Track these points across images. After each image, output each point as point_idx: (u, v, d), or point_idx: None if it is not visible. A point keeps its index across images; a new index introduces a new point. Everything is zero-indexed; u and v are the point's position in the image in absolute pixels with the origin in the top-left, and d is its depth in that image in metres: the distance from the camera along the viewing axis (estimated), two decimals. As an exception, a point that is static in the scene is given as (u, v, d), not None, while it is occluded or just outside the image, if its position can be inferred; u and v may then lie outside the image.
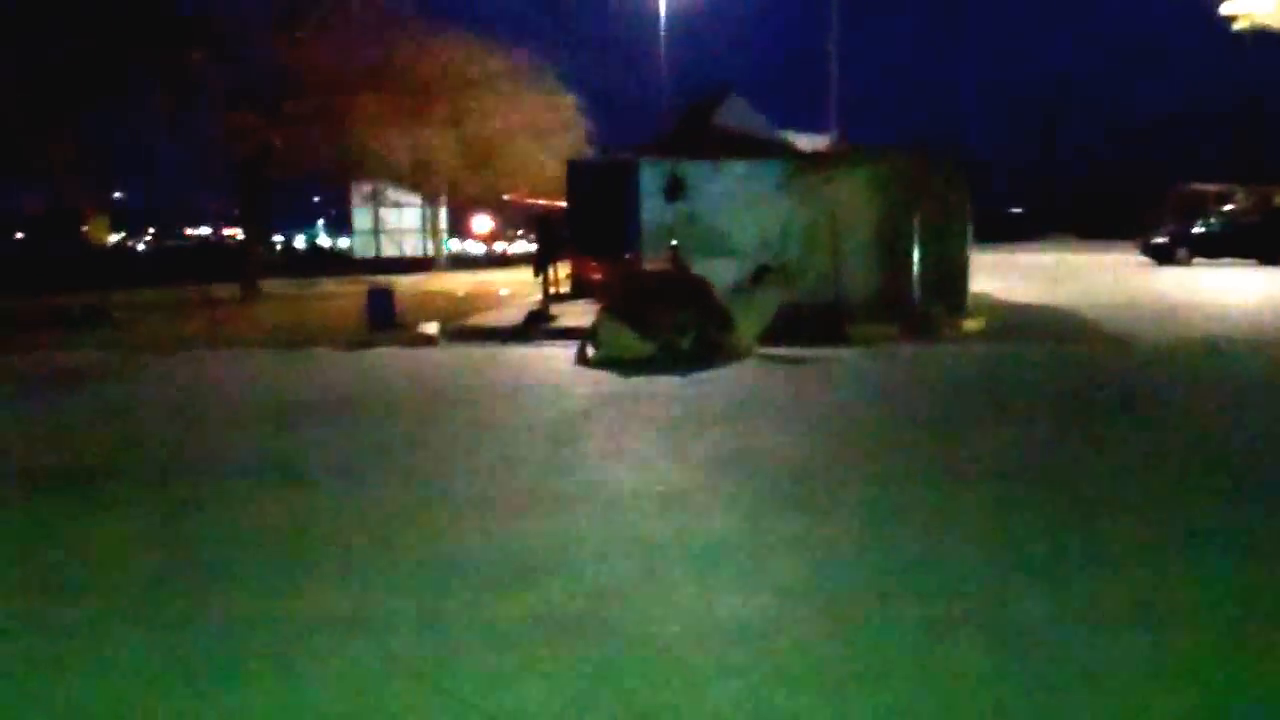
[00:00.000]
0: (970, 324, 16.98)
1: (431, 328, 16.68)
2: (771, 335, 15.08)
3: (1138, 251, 38.81)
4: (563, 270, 22.31)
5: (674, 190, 17.97)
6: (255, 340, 16.60)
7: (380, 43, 26.06)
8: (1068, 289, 26.13)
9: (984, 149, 78.73)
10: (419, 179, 35.68)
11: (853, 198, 17.76)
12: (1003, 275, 30.79)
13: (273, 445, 9.05)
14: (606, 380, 12.54)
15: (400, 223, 53.04)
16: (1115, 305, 21.38)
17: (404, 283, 31.53)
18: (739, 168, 17.99)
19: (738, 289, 15.25)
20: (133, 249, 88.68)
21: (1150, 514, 6.43)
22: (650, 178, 17.99)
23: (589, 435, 9.09)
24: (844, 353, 14.61)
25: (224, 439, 9.36)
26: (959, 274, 17.91)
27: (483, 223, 50.11)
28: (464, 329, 17.32)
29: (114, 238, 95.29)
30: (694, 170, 17.96)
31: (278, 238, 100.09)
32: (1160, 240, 37.55)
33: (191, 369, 14.19)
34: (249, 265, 25.24)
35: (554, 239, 19.73)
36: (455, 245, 74.27)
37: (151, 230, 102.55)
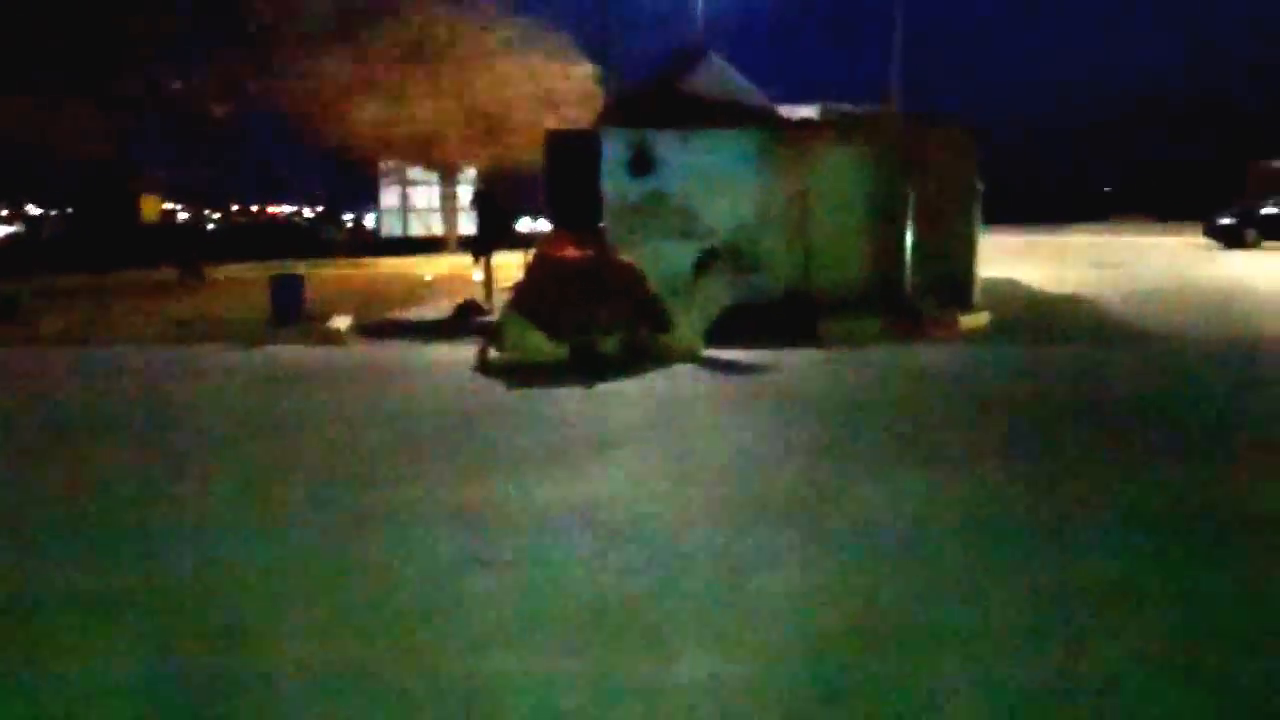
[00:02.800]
0: (970, 320, 14.58)
1: (342, 322, 14.60)
2: (728, 334, 12.86)
3: (1203, 233, 35.82)
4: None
5: (640, 164, 15.71)
6: (147, 335, 14.65)
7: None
8: (1112, 275, 23.54)
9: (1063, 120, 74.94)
10: (423, 153, 33.62)
11: (839, 172, 15.37)
12: (1046, 259, 28.27)
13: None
14: (490, 392, 10.42)
15: (432, 202, 51.02)
16: (1159, 294, 18.87)
17: (385, 264, 29.65)
18: (711, 138, 15.65)
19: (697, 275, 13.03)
20: (199, 227, 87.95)
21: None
22: (613, 149, 15.73)
23: (373, 482, 6.92)
24: (807, 356, 12.33)
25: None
26: (964, 261, 15.49)
27: None
28: (381, 323, 15.23)
29: (184, 215, 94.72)
30: (661, 141, 15.67)
31: (348, 216, 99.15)
32: (1226, 221, 34.41)
33: (41, 369, 12.30)
34: (189, 248, 23.26)
35: (496, 218, 17.53)
36: (528, 224, 71.91)
37: (235, 207, 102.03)
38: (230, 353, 13.25)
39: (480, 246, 16.61)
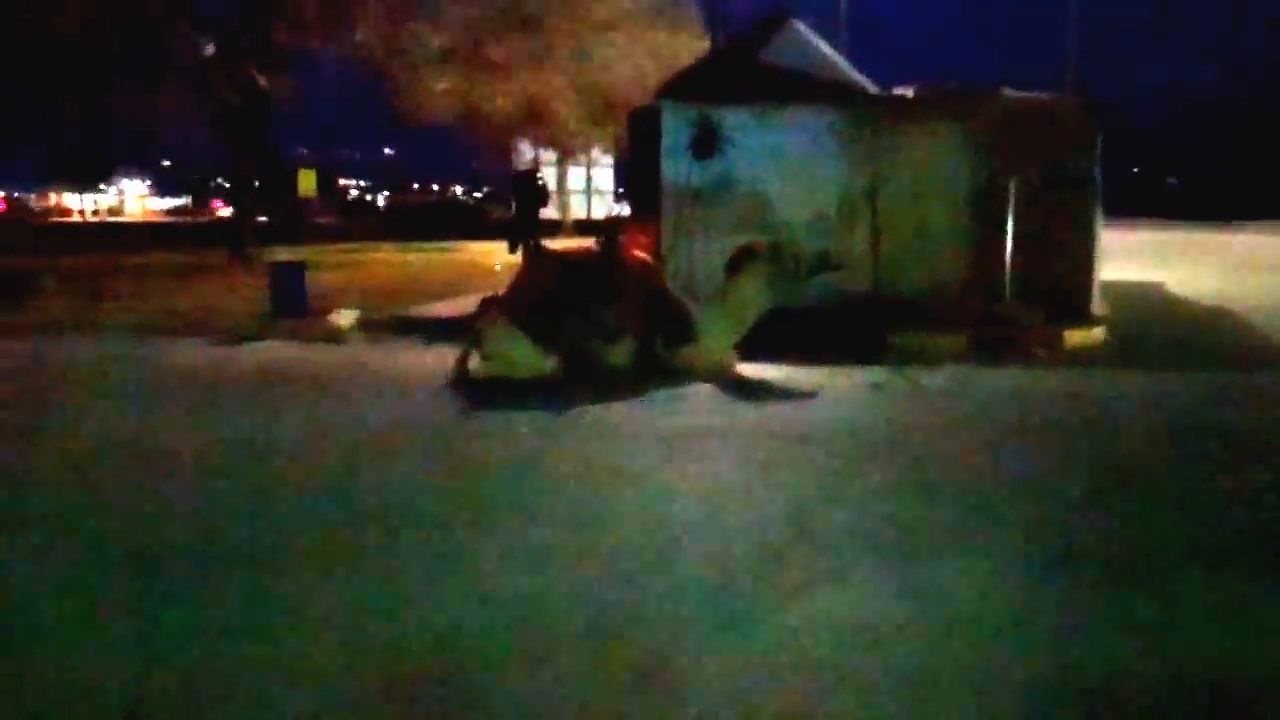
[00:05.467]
0: (1080, 336, 12.16)
1: (346, 318, 12.88)
2: (781, 345, 10.76)
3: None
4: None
5: (704, 144, 13.64)
6: (135, 326, 13.16)
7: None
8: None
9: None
10: (532, 130, 31.92)
11: (930, 157, 13.09)
12: (1202, 262, 25.07)
13: None
14: (435, 416, 8.55)
15: (569, 183, 49.61)
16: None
17: (479, 249, 28.07)
18: (788, 116, 13.48)
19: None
20: (371, 204, 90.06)
21: None
22: (674, 127, 13.68)
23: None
24: (863, 376, 10.14)
25: None
26: (1079, 264, 13.02)
27: None
28: (392, 320, 13.46)
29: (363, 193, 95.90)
30: (730, 118, 13.55)
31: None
32: None
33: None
34: (236, 231, 21.78)
35: (536, 202, 15.53)
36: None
37: (415, 185, 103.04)
38: (203, 348, 11.67)
39: (517, 233, 14.67)
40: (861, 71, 15.74)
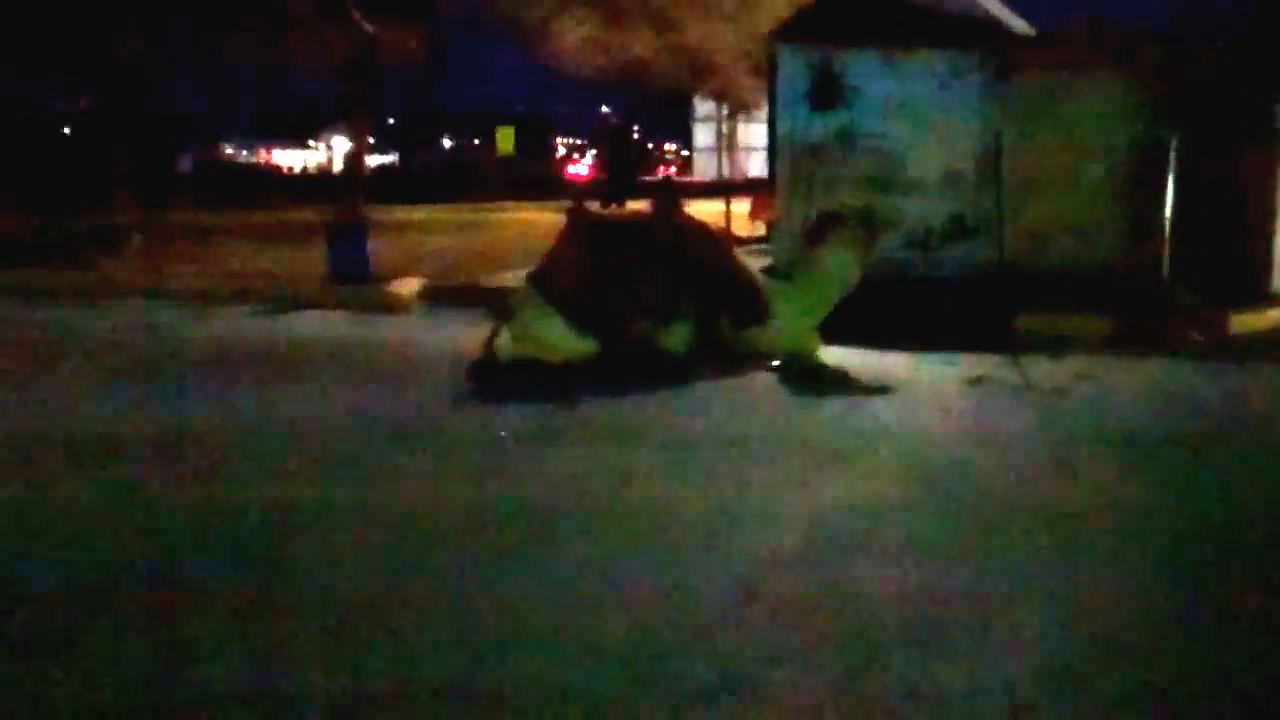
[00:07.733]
0: (1250, 320, 10.19)
1: (409, 286, 11.79)
2: (890, 324, 9.24)
3: None
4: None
5: (824, 93, 12.06)
6: (187, 290, 12.34)
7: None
8: None
9: None
10: (701, 85, 30.28)
11: (1082, 109, 11.21)
12: None
13: None
14: (419, 413, 7.32)
15: (750, 140, 47.61)
16: None
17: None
18: (922, 61, 11.76)
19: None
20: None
21: None
22: (789, 74, 12.15)
23: None
24: (969, 369, 8.50)
25: None
26: (1254, 234, 10.98)
27: None
28: (458, 289, 12.20)
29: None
30: (853, 63, 11.93)
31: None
32: None
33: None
34: (348, 187, 20.67)
35: (629, 159, 14.01)
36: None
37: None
38: (242, 317, 10.84)
39: (611, 192, 13.29)
40: (1018, 10, 13.87)
